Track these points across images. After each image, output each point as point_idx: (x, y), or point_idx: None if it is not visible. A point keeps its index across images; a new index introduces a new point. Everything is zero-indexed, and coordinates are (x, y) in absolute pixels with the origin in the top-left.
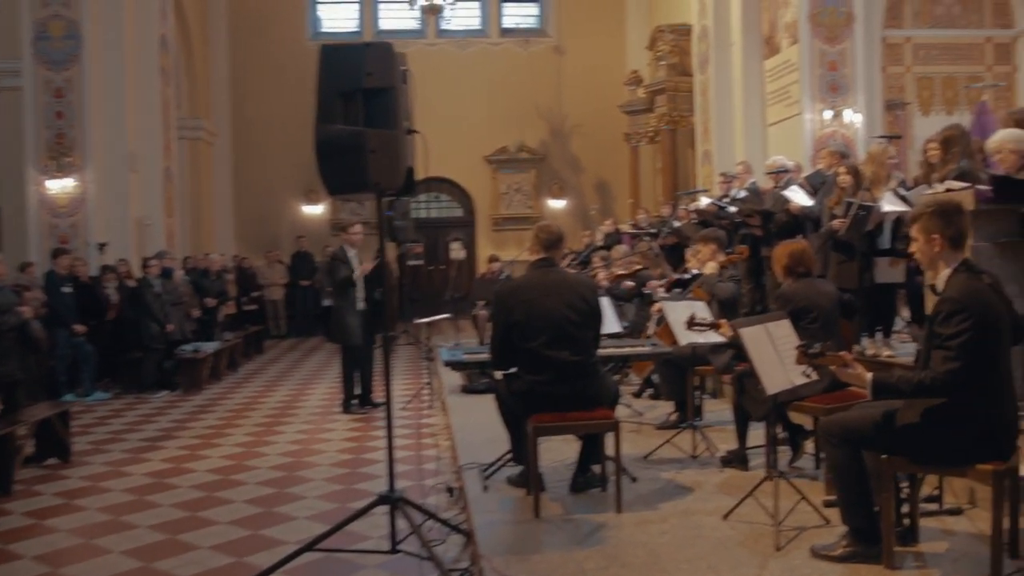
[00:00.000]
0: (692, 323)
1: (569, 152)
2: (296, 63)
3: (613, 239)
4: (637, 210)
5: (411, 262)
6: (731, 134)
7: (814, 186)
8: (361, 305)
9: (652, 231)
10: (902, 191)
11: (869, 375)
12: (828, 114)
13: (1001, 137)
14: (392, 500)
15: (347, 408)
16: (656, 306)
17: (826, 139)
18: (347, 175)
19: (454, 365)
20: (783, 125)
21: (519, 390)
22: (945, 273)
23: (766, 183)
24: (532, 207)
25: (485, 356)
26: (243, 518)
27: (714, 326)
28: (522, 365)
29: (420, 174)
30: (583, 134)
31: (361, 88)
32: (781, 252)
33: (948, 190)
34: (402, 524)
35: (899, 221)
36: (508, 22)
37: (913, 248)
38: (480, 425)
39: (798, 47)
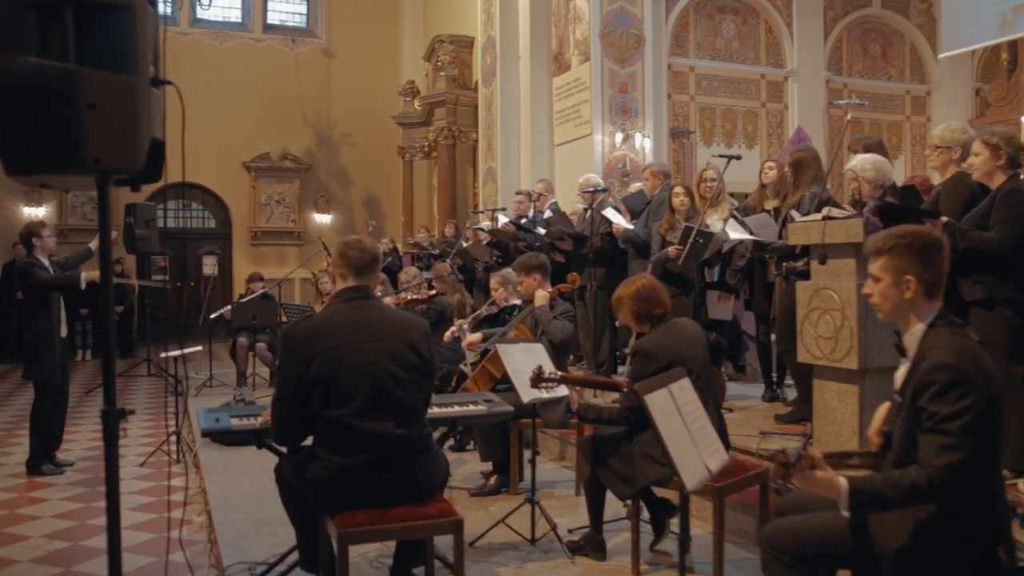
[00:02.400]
0: (540, 378)
1: (337, 163)
2: None
3: (392, 260)
4: (416, 229)
5: (156, 277)
6: (516, 152)
7: (632, 209)
8: (64, 330)
9: (434, 252)
10: (738, 216)
11: (844, 483)
12: (619, 136)
13: (861, 163)
14: None
15: (37, 468)
16: (469, 341)
17: (616, 162)
18: (44, 144)
19: (217, 436)
20: (572, 145)
21: (318, 478)
22: (918, 328)
23: (570, 204)
24: (295, 220)
25: (261, 421)
26: None
27: (566, 381)
28: (323, 440)
29: (171, 175)
30: (353, 144)
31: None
32: (625, 294)
33: (828, 217)
34: None
35: (730, 251)
36: (273, 18)
37: (869, 289)
38: (250, 495)
39: (589, 65)
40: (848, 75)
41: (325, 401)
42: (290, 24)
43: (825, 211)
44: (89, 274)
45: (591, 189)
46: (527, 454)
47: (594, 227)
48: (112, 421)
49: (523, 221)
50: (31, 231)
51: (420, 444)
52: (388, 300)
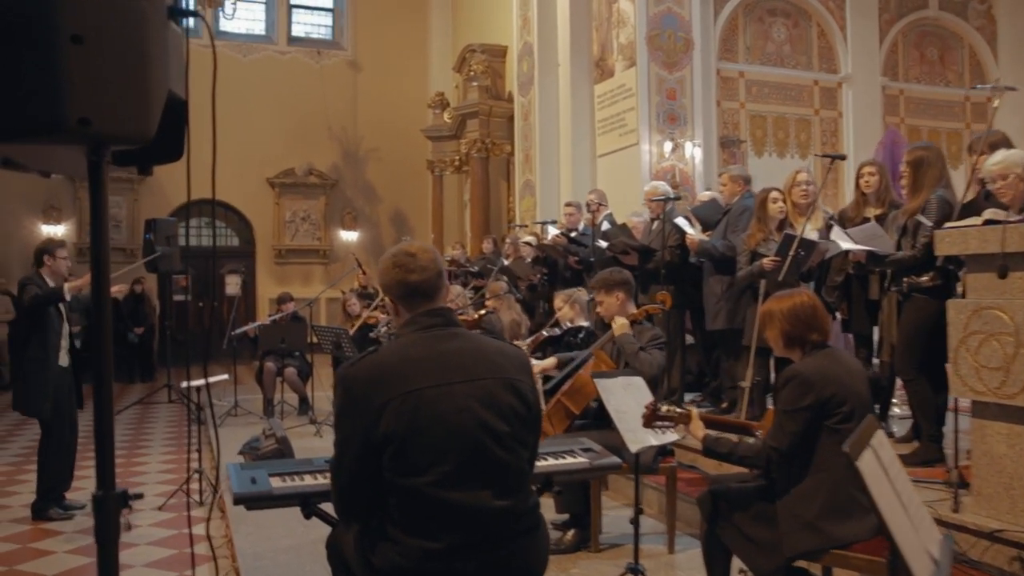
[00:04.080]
0: (655, 416)
1: (364, 178)
2: None
3: None
4: (448, 246)
5: (176, 296)
6: (556, 164)
7: (705, 219)
8: (65, 360)
9: (472, 269)
10: (834, 225)
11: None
12: (667, 146)
13: (1006, 159)
14: None
15: (43, 512)
16: (541, 367)
17: (664, 173)
18: (3, 97)
19: (255, 503)
20: (616, 156)
21: (392, 566)
22: None
23: (618, 217)
24: (321, 238)
25: (319, 484)
26: None
27: (685, 419)
28: (398, 517)
29: (193, 192)
30: (380, 159)
31: None
32: (778, 310)
33: (991, 221)
34: None
35: (826, 266)
36: (298, 30)
37: None
38: (287, 554)
39: (635, 71)
40: (905, 80)
41: (400, 465)
42: (315, 36)
43: (988, 213)
44: (75, 284)
45: (660, 197)
46: (605, 501)
47: (663, 239)
48: (107, 510)
49: (573, 234)
50: (45, 248)
51: (527, 520)
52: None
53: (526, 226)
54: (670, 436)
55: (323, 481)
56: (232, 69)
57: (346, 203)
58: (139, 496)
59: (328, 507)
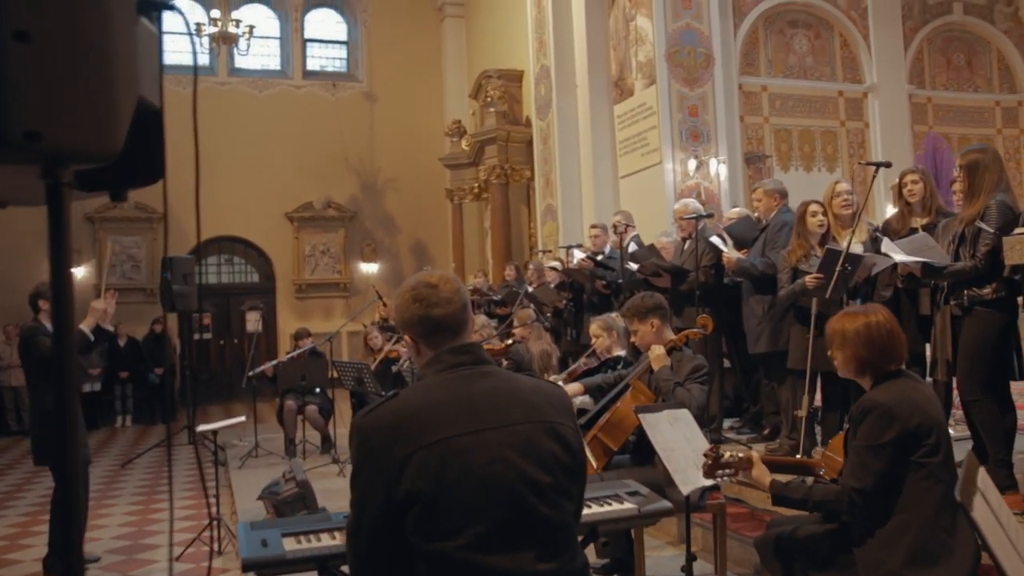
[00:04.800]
0: (718, 464)
1: (383, 209)
2: None
3: None
4: (470, 274)
5: (196, 335)
6: (578, 187)
7: (739, 237)
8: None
9: (495, 298)
10: (880, 237)
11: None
12: (692, 164)
13: None
14: None
15: (55, 568)
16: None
17: (690, 192)
18: None
19: (266, 569)
20: (639, 176)
21: None
22: None
23: (650, 237)
24: (341, 271)
25: (339, 545)
26: None
27: (747, 465)
28: None
29: (212, 229)
30: (398, 189)
31: None
32: (852, 330)
33: None
34: None
35: (872, 281)
36: (313, 64)
37: None
38: None
39: (655, 88)
40: (932, 88)
41: (428, 528)
42: (330, 69)
43: None
44: (88, 319)
45: (692, 215)
46: (648, 540)
47: (697, 259)
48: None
49: (599, 257)
50: (40, 293)
51: None
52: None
53: (550, 251)
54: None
55: (343, 541)
56: (248, 105)
57: (365, 235)
58: (95, 560)
59: None
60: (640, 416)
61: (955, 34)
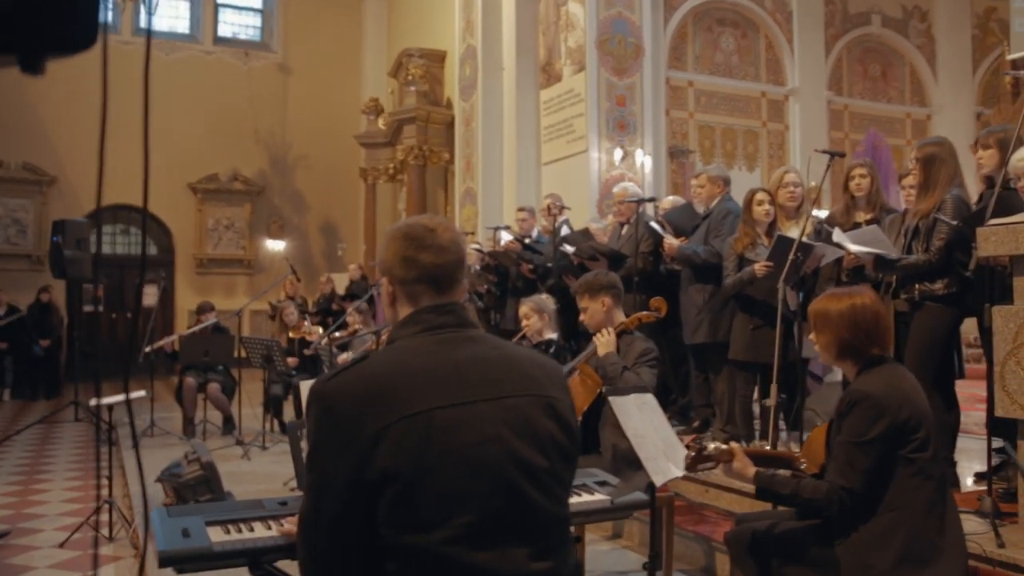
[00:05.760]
0: (701, 457)
1: (292, 186)
2: None
3: (359, 287)
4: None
5: (87, 307)
6: (499, 171)
7: (677, 224)
8: None
9: None
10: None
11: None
12: (618, 154)
13: None
14: None
15: None
16: None
17: (613, 182)
18: None
19: (189, 565)
20: (564, 163)
21: None
22: None
23: (576, 223)
24: (245, 247)
25: (275, 538)
26: None
27: (728, 457)
28: None
29: (108, 196)
30: (309, 166)
31: None
32: (835, 311)
33: None
34: None
35: (814, 274)
36: (225, 30)
37: None
38: None
39: (584, 75)
40: (849, 95)
41: (403, 517)
42: (243, 37)
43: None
44: None
45: (633, 199)
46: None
47: (635, 244)
48: None
49: (527, 241)
50: None
51: None
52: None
53: (471, 234)
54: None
55: (278, 532)
56: (153, 68)
57: (273, 211)
58: (8, 532)
59: (289, 567)
60: (610, 399)
61: (872, 45)
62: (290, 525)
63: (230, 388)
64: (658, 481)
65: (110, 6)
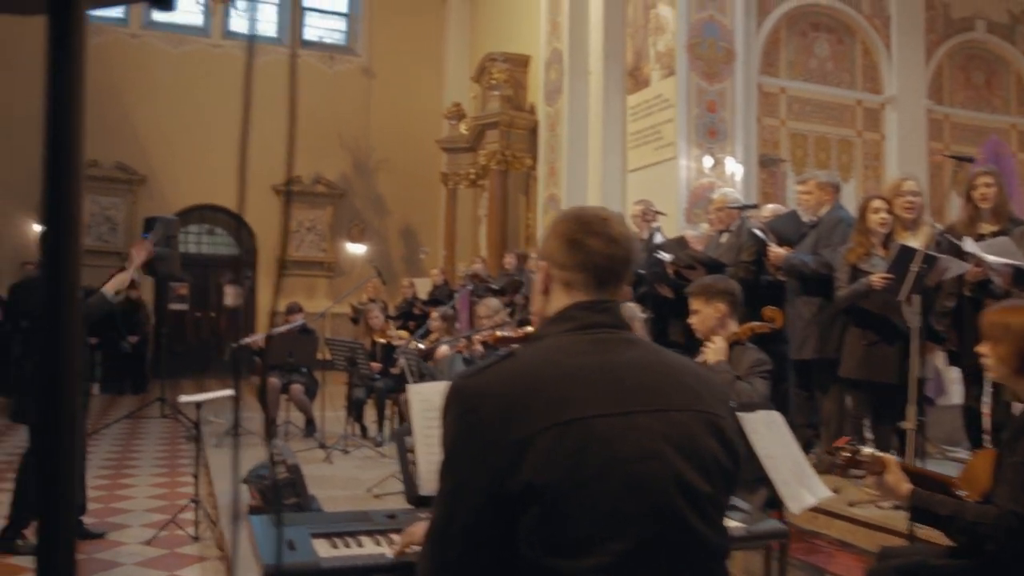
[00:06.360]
0: (852, 462)
1: (374, 190)
2: (34, 47)
3: (442, 292)
4: (473, 260)
5: (174, 305)
6: (584, 178)
7: (781, 233)
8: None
9: (494, 286)
10: (955, 240)
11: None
12: (707, 161)
13: None
14: None
15: (12, 544)
16: None
17: (703, 190)
18: None
19: None
20: (650, 171)
21: None
22: None
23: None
24: (326, 250)
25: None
26: None
27: (881, 467)
28: None
29: (194, 196)
30: (391, 170)
31: None
32: (1017, 325)
33: None
34: None
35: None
36: (311, 34)
37: None
38: None
39: (674, 80)
40: (950, 105)
41: (550, 537)
42: (328, 41)
43: None
44: (118, 281)
45: (736, 205)
46: None
47: (736, 253)
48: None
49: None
50: None
51: None
52: (465, 342)
53: None
54: (823, 491)
55: (390, 550)
56: (240, 70)
57: (354, 214)
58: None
59: None
60: (739, 416)
61: (976, 52)
62: (407, 540)
63: (312, 390)
64: (795, 508)
65: (201, 8)
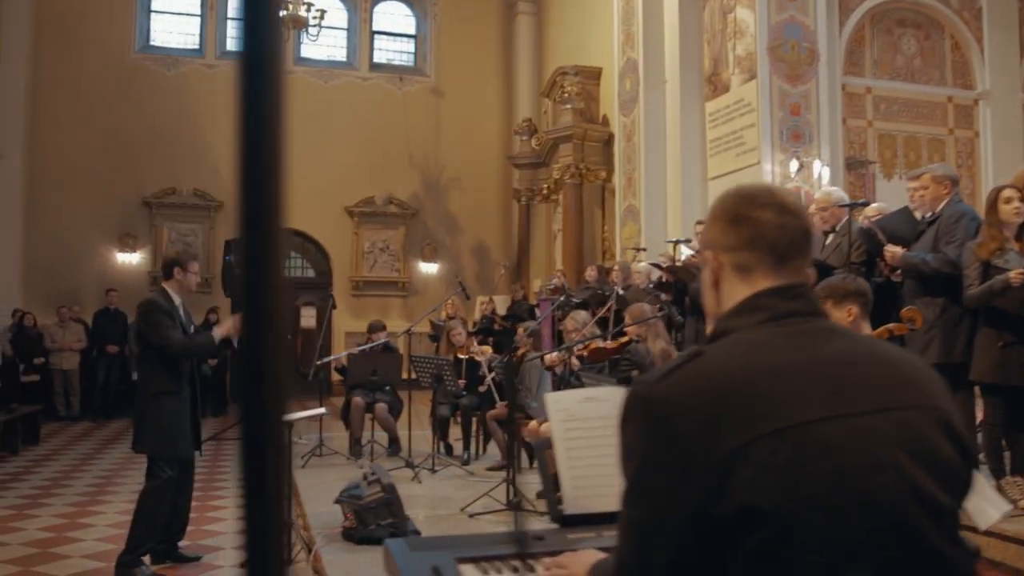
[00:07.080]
0: None
1: (445, 208)
2: (116, 79)
3: (521, 307)
4: (553, 273)
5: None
6: (663, 188)
7: (893, 231)
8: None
9: (577, 300)
10: None
11: None
12: (793, 165)
13: None
14: None
15: (127, 571)
16: None
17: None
18: None
19: None
20: (732, 177)
21: None
22: None
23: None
24: (400, 270)
25: None
26: None
27: None
28: None
29: None
30: (461, 188)
31: None
32: None
33: None
34: None
35: None
36: (380, 56)
37: None
38: None
39: (755, 84)
40: None
41: (774, 570)
42: (397, 63)
43: None
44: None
45: (844, 203)
46: None
47: (846, 254)
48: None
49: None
50: (177, 260)
51: None
52: (554, 355)
53: (643, 249)
54: (1004, 505)
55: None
56: (313, 95)
57: (426, 234)
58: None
59: None
60: None
61: None
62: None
63: (396, 408)
64: (981, 525)
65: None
